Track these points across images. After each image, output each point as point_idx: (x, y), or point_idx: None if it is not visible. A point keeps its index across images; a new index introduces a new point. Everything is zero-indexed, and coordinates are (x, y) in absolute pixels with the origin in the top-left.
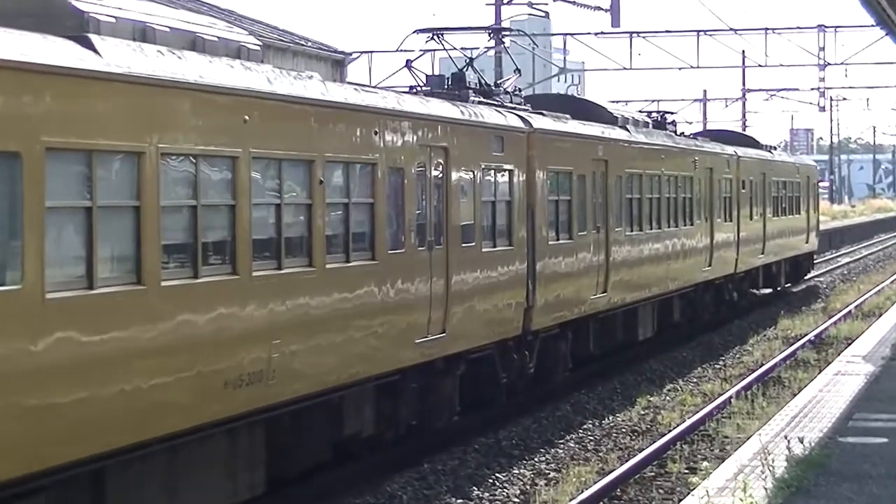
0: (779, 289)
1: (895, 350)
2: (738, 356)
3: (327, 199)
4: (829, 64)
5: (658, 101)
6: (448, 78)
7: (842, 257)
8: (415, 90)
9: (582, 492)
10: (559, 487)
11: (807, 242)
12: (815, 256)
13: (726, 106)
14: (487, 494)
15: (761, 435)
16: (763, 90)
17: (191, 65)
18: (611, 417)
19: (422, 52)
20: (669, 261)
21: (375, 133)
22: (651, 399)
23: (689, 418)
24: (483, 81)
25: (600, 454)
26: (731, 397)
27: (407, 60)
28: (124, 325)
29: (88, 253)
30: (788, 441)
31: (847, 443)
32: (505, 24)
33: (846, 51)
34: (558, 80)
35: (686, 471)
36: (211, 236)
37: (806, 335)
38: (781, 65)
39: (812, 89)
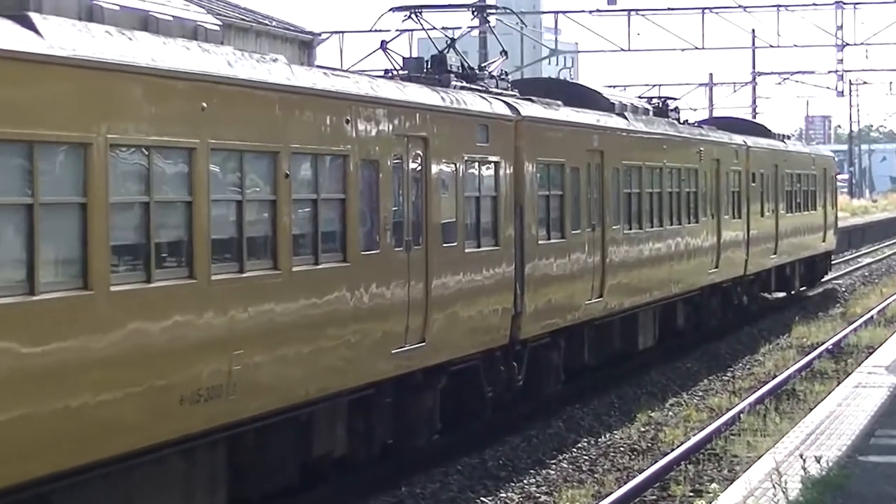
0: (793, 292)
1: None
2: (748, 367)
3: (294, 195)
4: (847, 44)
5: (659, 85)
6: (427, 61)
7: (862, 257)
8: (391, 74)
9: None
10: None
11: (824, 241)
12: (832, 257)
13: (734, 91)
14: None
15: (774, 454)
16: (775, 73)
17: (143, 47)
18: (608, 435)
19: (398, 33)
20: (672, 262)
21: (347, 122)
22: (652, 415)
23: (694, 436)
24: (466, 64)
25: (596, 476)
26: (740, 412)
27: (382, 41)
28: (69, 334)
29: (29, 255)
30: (804, 460)
31: (868, 462)
32: (490, 2)
33: (867, 29)
34: (549, 63)
35: (691, 493)
36: (165, 236)
37: (823, 343)
38: (795, 45)
39: (829, 72)
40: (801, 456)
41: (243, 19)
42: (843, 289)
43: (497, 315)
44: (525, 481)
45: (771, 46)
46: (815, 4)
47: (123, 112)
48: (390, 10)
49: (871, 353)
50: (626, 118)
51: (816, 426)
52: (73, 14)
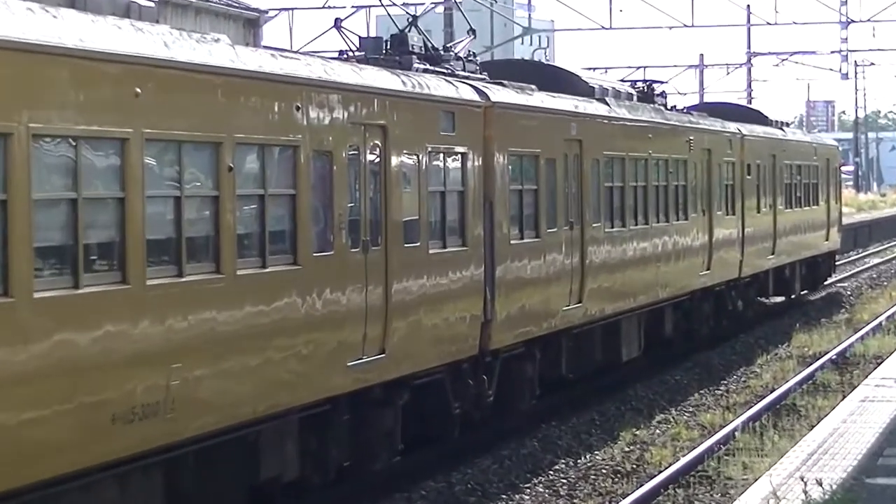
0: (793, 297)
1: None
2: (743, 379)
3: (238, 190)
4: (853, 21)
5: (644, 68)
6: (387, 41)
7: (870, 257)
8: (346, 56)
9: None
10: None
11: (827, 240)
12: (836, 257)
13: (728, 73)
14: None
15: (771, 476)
16: (773, 54)
17: (69, 25)
18: (588, 456)
19: (354, 9)
20: (659, 263)
21: (298, 109)
22: (637, 433)
23: (683, 456)
24: (430, 45)
25: (575, 501)
26: (734, 430)
27: (336, 19)
28: None
29: None
30: (805, 483)
31: (876, 485)
32: None
33: (874, 5)
34: (522, 43)
35: None
36: (95, 237)
37: (826, 353)
38: (795, 22)
39: (833, 52)
40: (801, 478)
41: None
42: (849, 292)
43: (465, 323)
44: None
45: (768, 24)
46: None
47: (48, 99)
48: None
49: (879, 364)
50: (607, 104)
51: (819, 445)
52: None
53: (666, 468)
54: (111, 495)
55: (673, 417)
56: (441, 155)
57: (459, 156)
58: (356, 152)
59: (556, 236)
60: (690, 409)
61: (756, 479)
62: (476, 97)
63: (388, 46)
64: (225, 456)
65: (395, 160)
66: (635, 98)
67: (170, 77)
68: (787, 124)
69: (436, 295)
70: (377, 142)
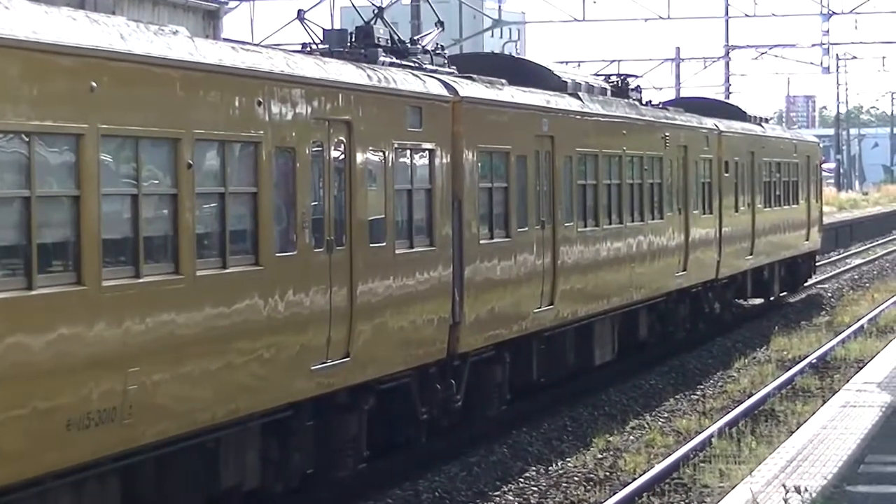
0: (772, 298)
1: None
2: (720, 384)
3: (198, 188)
4: (834, 13)
5: (618, 61)
6: (351, 33)
7: (851, 258)
8: (309, 49)
9: None
10: None
11: (807, 240)
12: (817, 257)
13: (705, 67)
14: None
15: (750, 483)
16: (751, 47)
17: (20, 17)
18: (559, 462)
19: (318, 0)
20: (633, 264)
21: (259, 104)
22: (610, 439)
23: (658, 463)
24: (396, 37)
25: None
26: (711, 436)
27: (299, 11)
28: None
29: None
30: (785, 491)
31: (857, 493)
32: None
33: None
34: (492, 36)
35: None
36: (50, 236)
37: (806, 357)
38: (774, 14)
39: (813, 45)
40: (782, 486)
41: None
42: (830, 294)
43: (432, 325)
44: None
45: (746, 16)
46: None
47: None
48: None
49: (860, 368)
50: (580, 99)
51: (798, 452)
52: None
53: (640, 475)
54: None
55: (647, 423)
56: (408, 151)
57: (427, 152)
58: (320, 149)
59: (527, 236)
60: (665, 415)
61: (733, 487)
62: (444, 92)
63: (353, 39)
64: (184, 463)
65: (360, 157)
66: (609, 93)
67: (126, 70)
68: (767, 120)
69: (402, 296)
70: (341, 138)
